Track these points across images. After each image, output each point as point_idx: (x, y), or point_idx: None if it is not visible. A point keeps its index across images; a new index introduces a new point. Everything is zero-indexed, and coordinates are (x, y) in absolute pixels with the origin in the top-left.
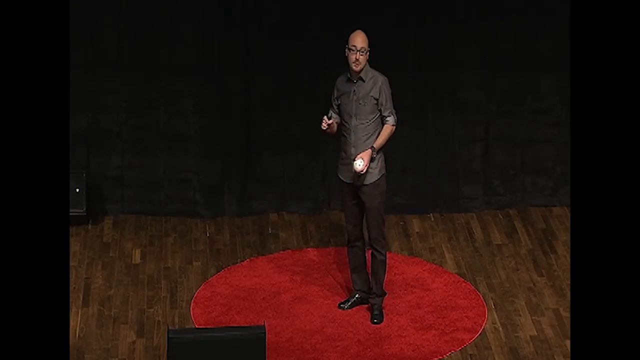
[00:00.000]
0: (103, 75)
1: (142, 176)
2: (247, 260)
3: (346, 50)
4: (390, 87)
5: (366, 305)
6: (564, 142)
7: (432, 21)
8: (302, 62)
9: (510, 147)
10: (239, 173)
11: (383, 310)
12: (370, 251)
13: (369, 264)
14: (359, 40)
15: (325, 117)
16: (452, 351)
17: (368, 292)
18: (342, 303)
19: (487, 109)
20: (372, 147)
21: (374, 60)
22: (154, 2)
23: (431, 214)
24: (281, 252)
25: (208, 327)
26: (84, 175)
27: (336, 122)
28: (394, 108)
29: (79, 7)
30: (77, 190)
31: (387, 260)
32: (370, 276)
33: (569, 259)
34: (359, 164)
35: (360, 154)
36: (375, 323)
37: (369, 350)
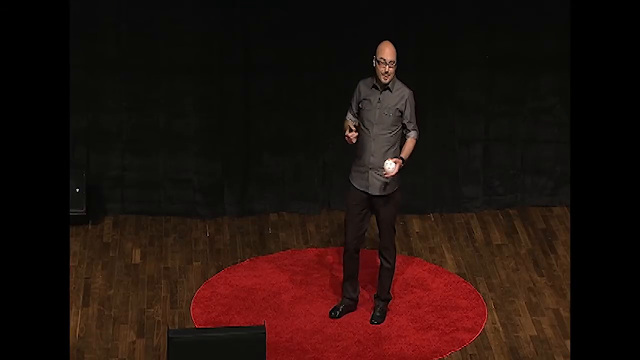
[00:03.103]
0: (103, 75)
1: (142, 176)
2: (247, 260)
3: (374, 61)
4: (415, 100)
5: (366, 306)
6: (564, 142)
7: (432, 21)
8: (302, 62)
9: (510, 147)
10: (239, 173)
11: (386, 312)
12: (376, 257)
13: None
14: (388, 52)
15: (347, 133)
16: (452, 351)
17: (357, 300)
18: (332, 311)
19: (487, 109)
20: (402, 157)
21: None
22: (154, 2)
23: (431, 214)
24: (281, 252)
25: (208, 327)
26: (84, 175)
27: (354, 126)
28: (418, 122)
29: (79, 7)
30: (77, 190)
31: None
32: (363, 281)
33: (569, 259)
34: (391, 166)
35: (394, 159)
36: (373, 323)
37: (369, 350)
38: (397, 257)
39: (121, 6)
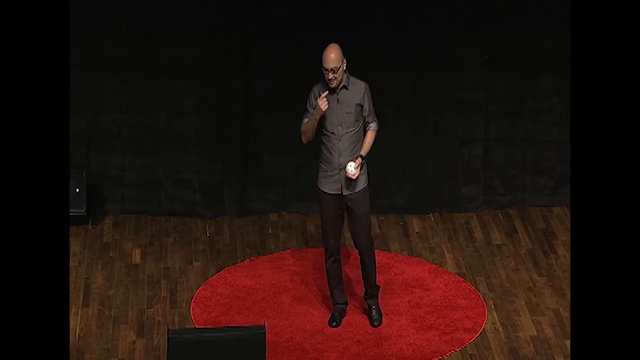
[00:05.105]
0: (103, 75)
1: (142, 176)
2: (247, 260)
3: (322, 68)
4: (371, 92)
5: (365, 306)
6: (564, 142)
7: (432, 21)
8: (303, 62)
9: (510, 147)
10: (239, 173)
11: (381, 310)
12: (358, 259)
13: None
14: (326, 60)
15: (322, 96)
16: (452, 351)
17: (347, 303)
18: (332, 320)
19: (487, 109)
20: (361, 155)
21: (374, 61)
22: (154, 2)
23: (431, 214)
24: (281, 252)
25: (208, 327)
26: (84, 175)
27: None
28: (376, 114)
29: (79, 7)
30: (77, 190)
31: (387, 260)
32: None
33: (569, 259)
34: (352, 168)
35: (356, 160)
36: (376, 326)
37: (369, 350)
38: (397, 257)
39: (121, 6)
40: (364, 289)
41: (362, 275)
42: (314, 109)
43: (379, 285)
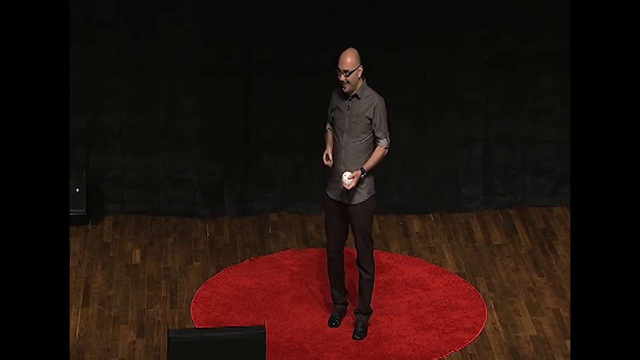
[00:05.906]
0: (103, 75)
1: (142, 176)
2: (247, 260)
3: (336, 69)
4: (386, 109)
5: None
6: (564, 142)
7: (432, 21)
8: (302, 62)
9: (510, 147)
10: (239, 173)
11: (368, 327)
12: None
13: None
14: (341, 61)
15: (325, 157)
16: (452, 351)
17: (347, 303)
18: (331, 321)
19: (487, 109)
20: (362, 168)
21: (374, 61)
22: (154, 2)
23: (431, 214)
24: (281, 252)
25: (208, 327)
26: (84, 175)
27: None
28: (389, 130)
29: (79, 7)
30: (77, 190)
31: (387, 260)
32: (347, 287)
33: (569, 259)
34: (346, 177)
35: (354, 171)
36: (356, 338)
37: (369, 350)
38: (397, 257)
39: (121, 6)
40: (357, 302)
41: (357, 290)
42: (332, 111)
43: (371, 309)
